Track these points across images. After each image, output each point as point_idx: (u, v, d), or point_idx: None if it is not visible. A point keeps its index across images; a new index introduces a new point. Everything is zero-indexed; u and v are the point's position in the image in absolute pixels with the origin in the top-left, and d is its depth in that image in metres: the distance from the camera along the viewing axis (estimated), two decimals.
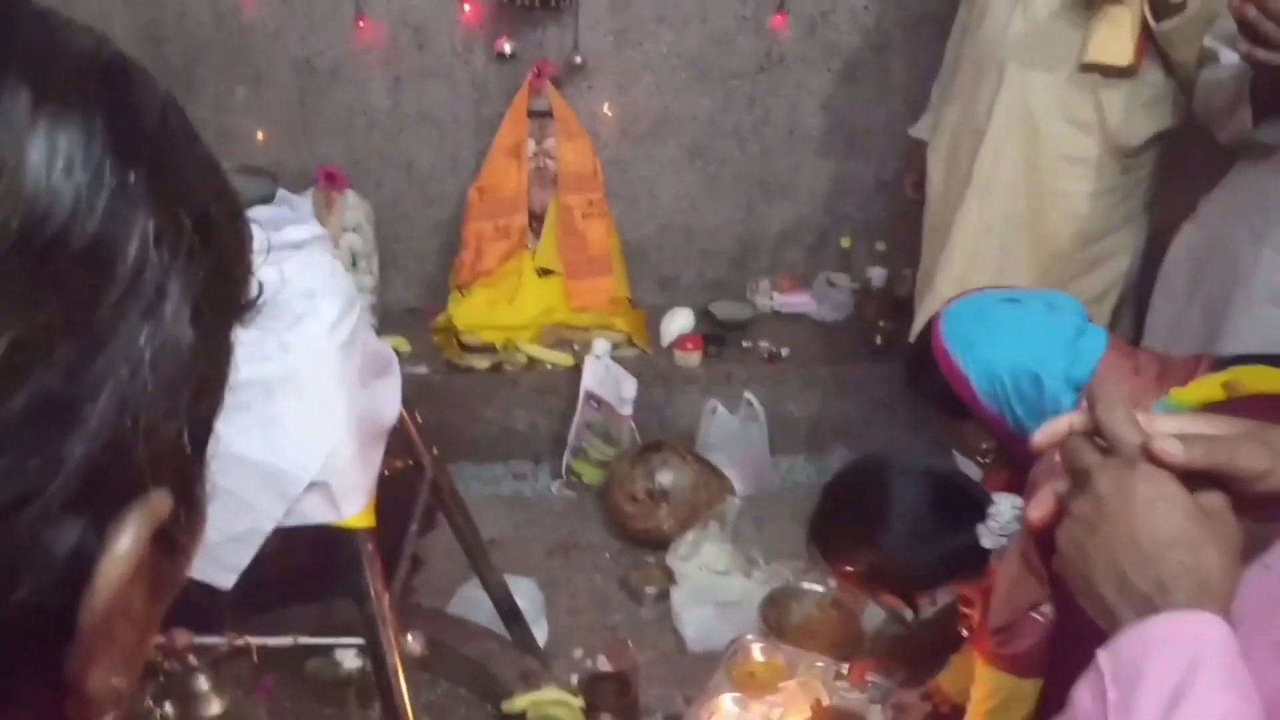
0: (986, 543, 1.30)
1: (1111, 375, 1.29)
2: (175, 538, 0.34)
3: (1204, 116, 1.82)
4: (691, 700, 2.12)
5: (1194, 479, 0.62)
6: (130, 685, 0.35)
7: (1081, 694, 0.59)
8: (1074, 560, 0.64)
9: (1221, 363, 1.33)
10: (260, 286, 0.37)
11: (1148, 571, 0.60)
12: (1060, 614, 1.29)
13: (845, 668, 1.99)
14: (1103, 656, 0.59)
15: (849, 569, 1.49)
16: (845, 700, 1.93)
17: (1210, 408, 1.22)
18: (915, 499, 1.39)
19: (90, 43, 0.33)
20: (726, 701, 1.96)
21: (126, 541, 0.31)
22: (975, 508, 1.33)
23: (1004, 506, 1.29)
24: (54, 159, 0.28)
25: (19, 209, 0.27)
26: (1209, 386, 1.25)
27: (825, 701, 1.92)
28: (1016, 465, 1.39)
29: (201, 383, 0.33)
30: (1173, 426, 0.65)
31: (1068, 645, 1.27)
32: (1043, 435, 0.68)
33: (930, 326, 1.48)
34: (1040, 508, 0.67)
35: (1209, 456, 0.62)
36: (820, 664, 2.03)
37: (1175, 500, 0.61)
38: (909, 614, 1.59)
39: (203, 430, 0.35)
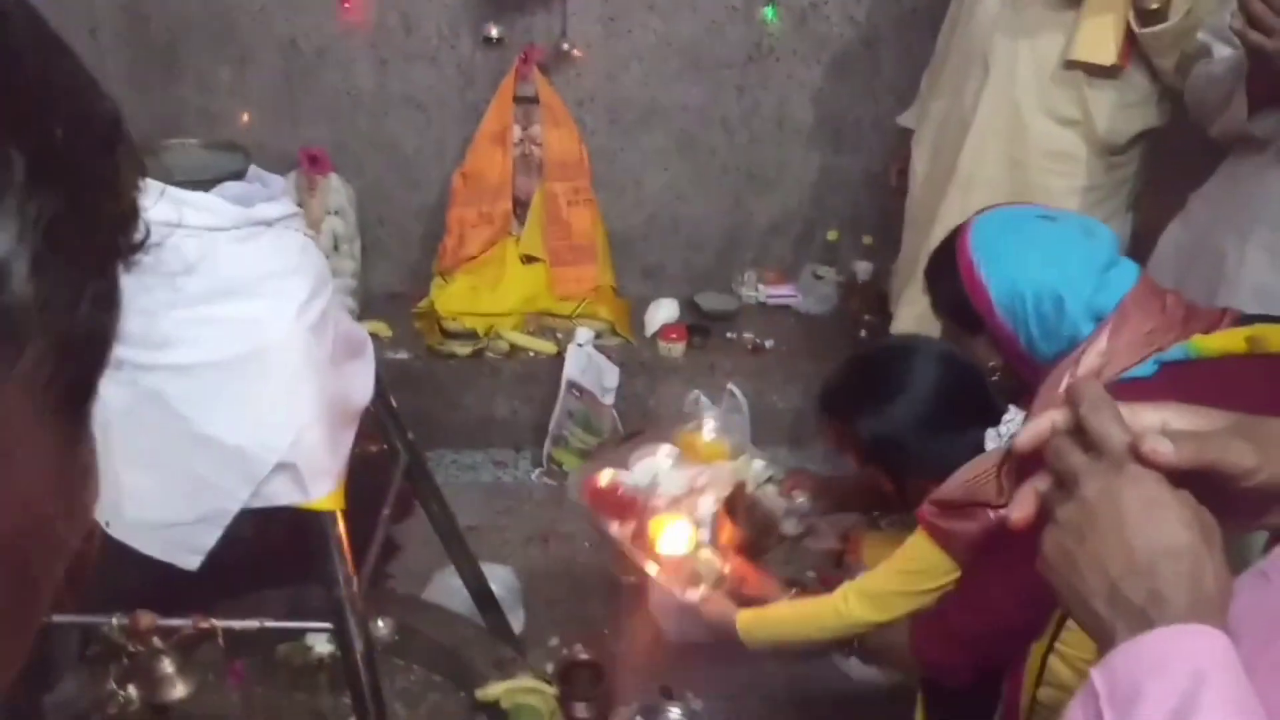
0: (990, 446, 1.30)
1: (1136, 309, 1.27)
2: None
3: (1196, 111, 1.81)
4: (669, 690, 2.12)
5: (1178, 478, 0.60)
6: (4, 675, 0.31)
7: (1074, 714, 0.55)
8: (1061, 569, 0.61)
9: (1247, 319, 1.31)
10: (148, 229, 0.33)
11: (1141, 583, 0.56)
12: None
13: (781, 474, 1.93)
14: (1097, 675, 0.55)
15: (848, 435, 1.47)
16: (766, 498, 1.87)
17: (1228, 359, 1.22)
18: (935, 382, 1.37)
19: None
20: (664, 452, 1.91)
21: None
22: (989, 412, 1.32)
23: (1016, 418, 1.29)
24: None
25: None
26: (1233, 338, 1.23)
27: (749, 489, 1.87)
28: (1023, 386, 1.36)
29: (59, 341, 0.29)
30: (1155, 421, 0.63)
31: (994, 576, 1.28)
32: (1026, 436, 0.65)
33: (957, 231, 1.44)
34: (1022, 508, 0.64)
35: (1199, 455, 0.60)
36: (760, 463, 1.97)
37: (1169, 505, 0.58)
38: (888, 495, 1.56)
39: (79, 392, 0.31)
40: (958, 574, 1.36)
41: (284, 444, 1.22)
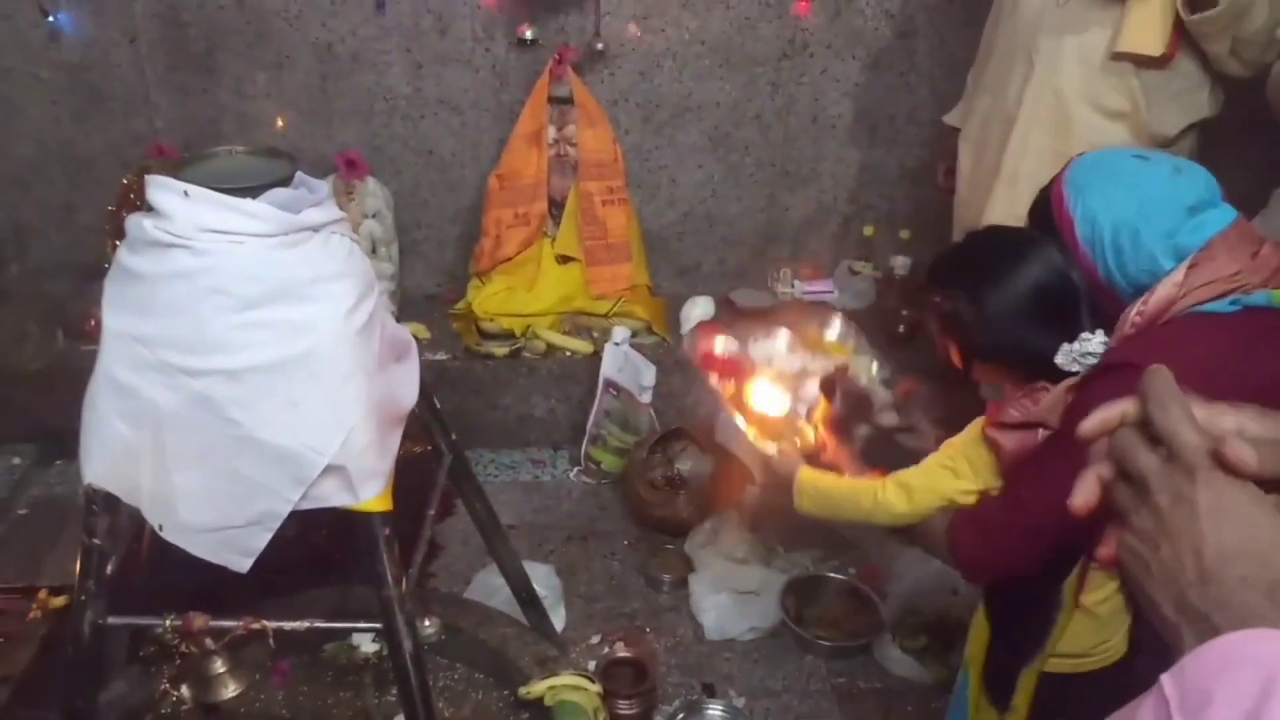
0: (1059, 359, 1.32)
1: (1225, 250, 1.26)
2: None
3: (1275, 107, 1.81)
4: (711, 688, 2.12)
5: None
6: None
7: (1145, 718, 0.54)
8: (1137, 576, 0.60)
9: None
10: None
11: (1207, 590, 0.56)
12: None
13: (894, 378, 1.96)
14: (1167, 681, 0.54)
15: (938, 303, 1.48)
16: (867, 383, 1.90)
17: None
18: (1034, 279, 1.37)
19: None
20: (781, 337, 1.98)
21: None
22: (1074, 326, 1.34)
23: (1095, 340, 1.31)
24: None
25: None
26: None
27: (855, 376, 1.89)
28: (1105, 320, 1.36)
29: None
30: (1232, 425, 0.61)
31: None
32: (1092, 423, 0.64)
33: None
34: (1084, 494, 0.63)
35: None
36: (876, 364, 1.99)
37: (1240, 507, 0.57)
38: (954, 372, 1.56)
39: None
40: (994, 485, 1.41)
41: (333, 446, 1.24)
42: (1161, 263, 1.28)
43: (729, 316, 2.92)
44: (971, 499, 1.44)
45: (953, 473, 1.46)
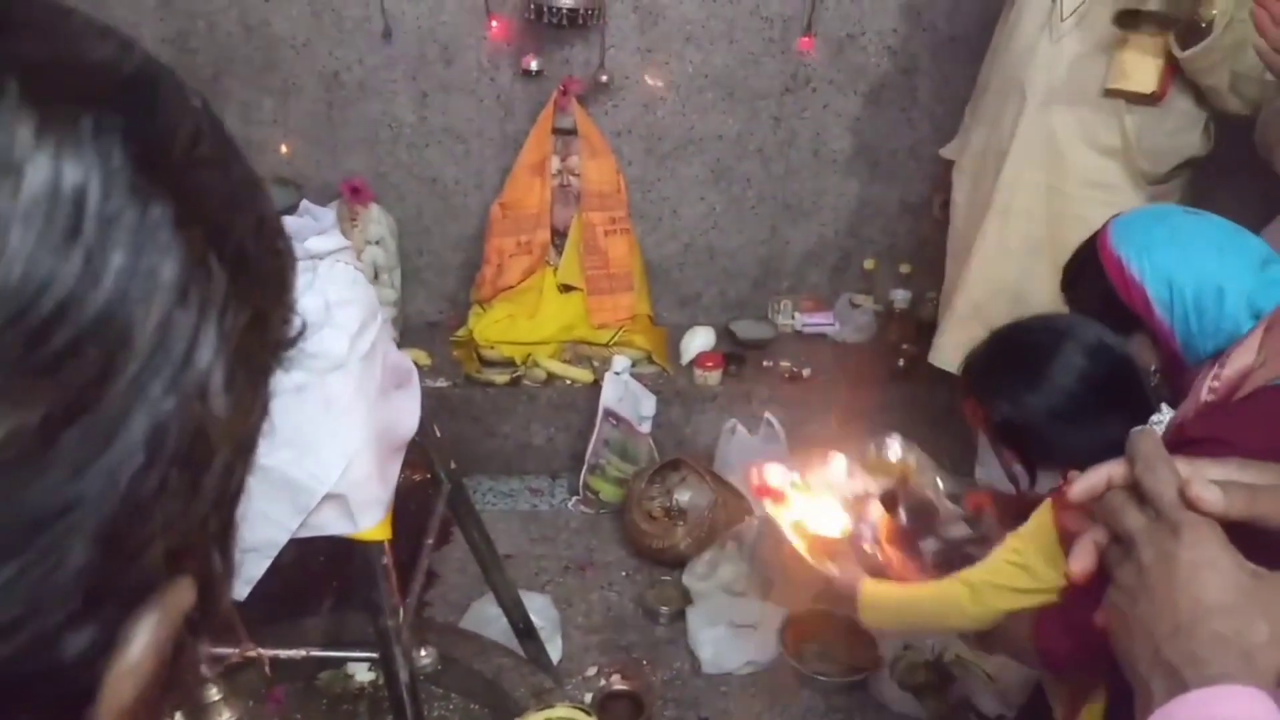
0: None
1: None
2: (203, 619, 0.30)
3: (1263, 149, 1.82)
4: None
5: (1238, 535, 0.59)
6: None
7: None
8: (1117, 630, 0.60)
9: None
10: (303, 325, 0.33)
11: (1180, 643, 0.56)
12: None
13: (962, 490, 1.84)
14: None
15: (984, 413, 1.38)
16: (931, 494, 1.77)
17: None
18: (1080, 372, 1.27)
19: (111, 51, 0.28)
20: (837, 463, 1.87)
21: (140, 647, 0.26)
22: (1140, 407, 1.23)
23: (1165, 418, 1.21)
24: (58, 204, 0.23)
25: (10, 276, 0.22)
26: None
27: (921, 489, 1.77)
28: (1175, 390, 1.29)
29: (237, 450, 0.29)
30: (1218, 474, 0.62)
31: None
32: (1080, 488, 0.65)
33: (1093, 237, 1.39)
34: (1081, 560, 0.64)
35: (1251, 507, 0.59)
36: (939, 477, 1.88)
37: (1219, 565, 0.57)
38: (1024, 482, 1.43)
39: (237, 497, 0.31)
40: (1062, 580, 1.28)
41: (333, 475, 1.24)
42: (1241, 324, 1.21)
43: (729, 347, 2.93)
44: (1047, 597, 1.30)
45: (1022, 569, 1.33)
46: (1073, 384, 1.28)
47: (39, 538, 0.23)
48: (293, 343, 0.32)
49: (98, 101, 0.25)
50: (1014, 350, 1.37)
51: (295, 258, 0.33)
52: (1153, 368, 1.34)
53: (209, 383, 0.26)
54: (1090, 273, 1.35)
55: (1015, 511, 1.74)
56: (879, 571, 1.62)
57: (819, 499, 1.80)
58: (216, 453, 0.27)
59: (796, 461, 1.91)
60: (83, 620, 0.25)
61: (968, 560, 1.69)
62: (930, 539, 1.70)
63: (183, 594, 0.28)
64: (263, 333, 0.30)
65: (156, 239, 0.25)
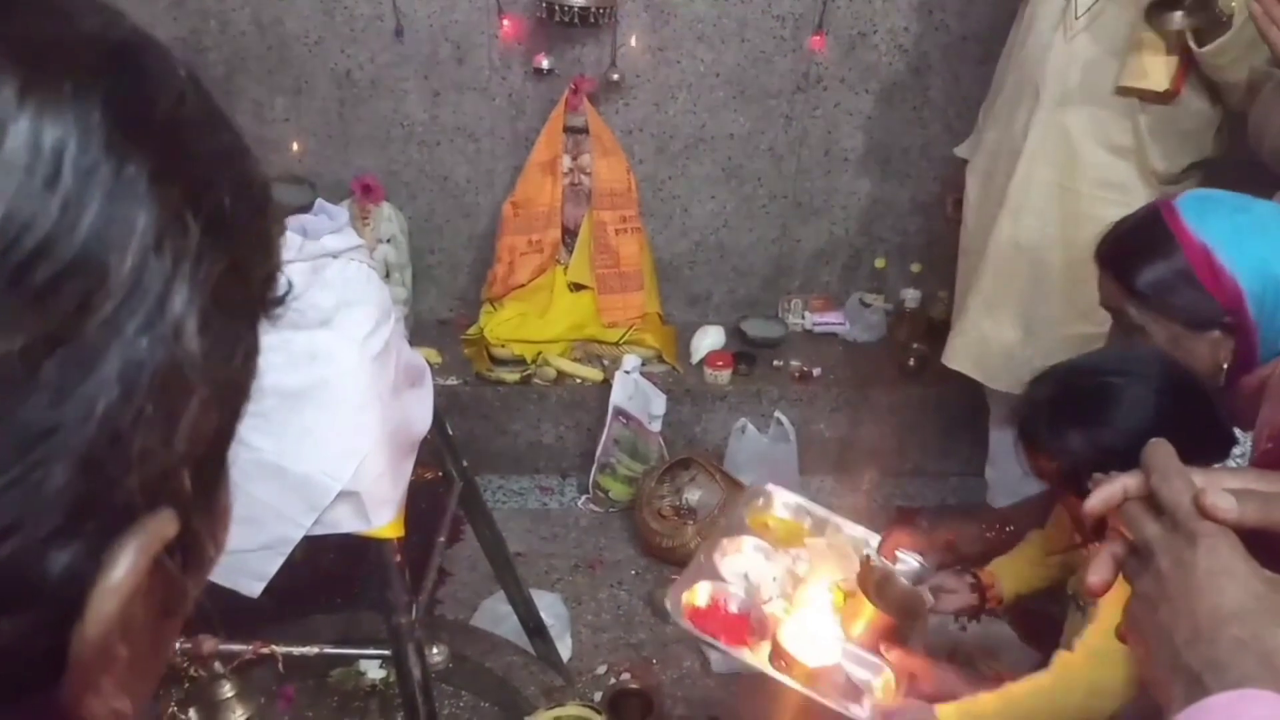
0: None
1: None
2: (188, 554, 0.32)
3: (1254, 140, 1.80)
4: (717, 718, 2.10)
5: (1256, 542, 0.60)
6: (137, 707, 0.33)
7: None
8: (1137, 639, 0.61)
9: None
10: (289, 284, 0.35)
11: (1200, 649, 0.56)
12: None
13: (874, 540, 1.68)
14: None
15: (1051, 467, 1.29)
16: (900, 570, 1.56)
17: None
18: (1155, 412, 1.19)
19: (99, 22, 0.30)
20: (749, 545, 1.69)
21: (122, 569, 0.28)
22: (1221, 441, 1.16)
23: (1247, 444, 1.16)
24: (38, 157, 0.26)
25: None
26: None
27: (871, 562, 1.55)
28: (1232, 389, 1.21)
29: (216, 392, 0.30)
30: (1234, 484, 0.63)
31: None
32: (1096, 500, 0.65)
33: (1155, 219, 1.29)
34: (1100, 573, 0.65)
35: (1265, 514, 0.60)
36: (848, 531, 1.76)
37: (1236, 573, 0.58)
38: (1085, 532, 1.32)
39: (221, 440, 0.33)
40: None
41: (347, 473, 1.24)
42: None
43: (739, 345, 2.93)
44: None
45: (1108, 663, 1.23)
46: (1148, 424, 1.15)
47: (24, 456, 0.26)
48: (279, 301, 0.35)
49: (80, 67, 0.28)
50: (1080, 397, 1.27)
51: (281, 222, 0.35)
52: (1224, 365, 1.26)
53: (183, 326, 0.28)
54: (1160, 259, 1.27)
55: (944, 544, 1.72)
56: (915, 688, 1.48)
57: (769, 612, 1.59)
58: (193, 392, 0.29)
59: (705, 564, 1.64)
60: (66, 538, 0.27)
61: (974, 616, 1.63)
62: (916, 623, 1.59)
63: (164, 525, 0.30)
64: (243, 286, 0.32)
65: (132, 191, 0.27)
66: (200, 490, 0.31)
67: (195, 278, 0.29)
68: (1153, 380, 1.22)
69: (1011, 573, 1.66)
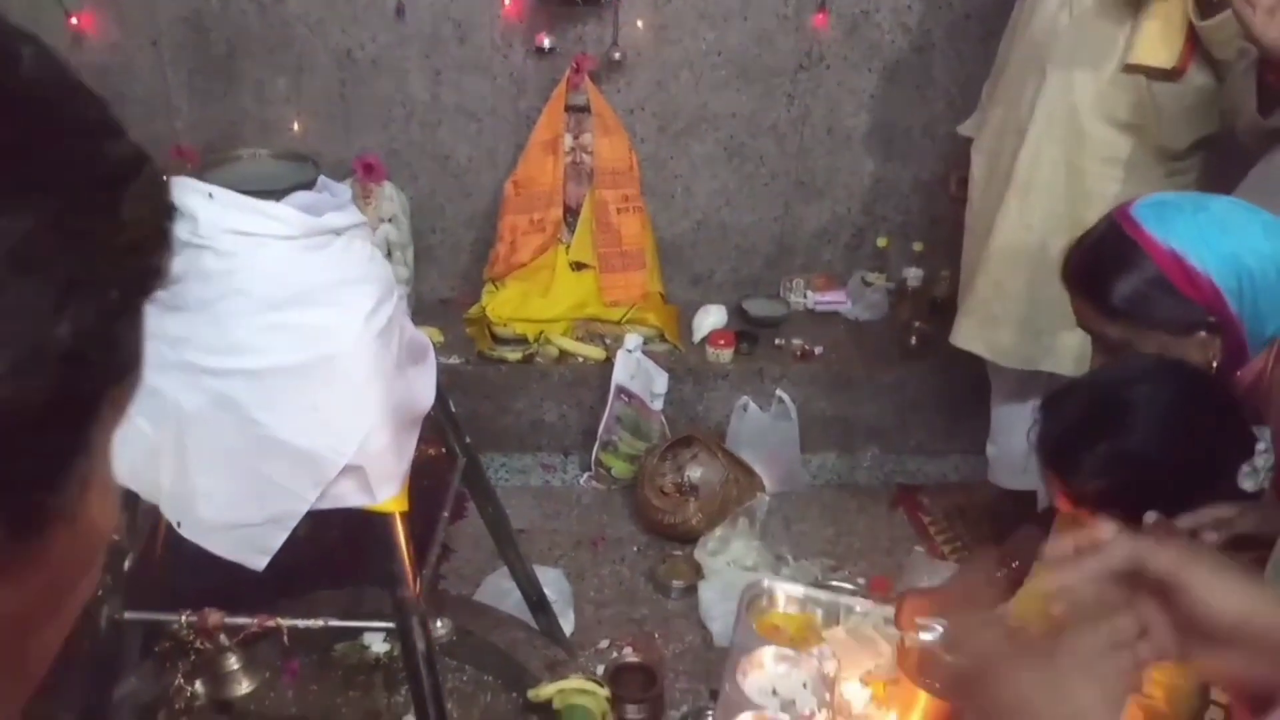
0: (1246, 484, 1.12)
1: None
2: (19, 524, 0.30)
3: (1229, 115, 1.81)
4: (716, 693, 2.12)
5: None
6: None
7: None
8: None
9: None
10: (164, 271, 0.34)
11: None
12: None
13: (889, 611, 1.62)
14: None
15: (1079, 492, 1.23)
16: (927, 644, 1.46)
17: None
18: (1173, 416, 1.16)
19: None
20: (768, 657, 1.59)
21: None
22: (1242, 439, 1.13)
23: (1264, 443, 1.13)
24: None
25: None
26: None
27: (907, 644, 1.48)
28: (1245, 395, 1.19)
29: (29, 354, 0.29)
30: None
31: None
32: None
33: (1114, 231, 1.27)
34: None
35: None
36: (860, 610, 1.70)
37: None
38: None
39: (66, 409, 0.31)
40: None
41: (352, 447, 1.25)
42: None
43: (741, 324, 2.94)
44: None
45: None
46: (1181, 429, 1.14)
47: None
48: (149, 283, 0.34)
49: None
50: (1096, 415, 1.22)
51: (158, 206, 0.34)
52: (1214, 363, 1.25)
53: None
54: (1131, 271, 1.26)
55: (962, 600, 1.54)
56: None
57: None
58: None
59: (735, 696, 1.53)
60: None
61: None
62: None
63: None
64: (65, 248, 0.30)
65: None
66: (24, 468, 0.30)
67: None
68: (1175, 385, 1.19)
69: (1033, 610, 1.62)
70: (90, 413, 0.32)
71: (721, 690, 1.54)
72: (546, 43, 2.72)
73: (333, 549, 2.14)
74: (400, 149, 2.89)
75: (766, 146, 2.94)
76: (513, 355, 2.78)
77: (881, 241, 3.03)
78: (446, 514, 1.62)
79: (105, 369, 0.32)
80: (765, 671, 1.58)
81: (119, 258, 0.32)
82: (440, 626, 1.77)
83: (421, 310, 2.96)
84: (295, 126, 2.83)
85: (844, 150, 2.96)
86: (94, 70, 2.75)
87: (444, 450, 1.75)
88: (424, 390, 1.47)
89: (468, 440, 1.74)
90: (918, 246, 2.98)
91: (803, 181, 3.00)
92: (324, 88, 2.82)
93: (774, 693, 1.55)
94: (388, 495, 1.30)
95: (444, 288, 3.08)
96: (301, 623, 1.40)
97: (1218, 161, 2.12)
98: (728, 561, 2.42)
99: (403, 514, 1.33)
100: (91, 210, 0.32)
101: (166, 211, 0.36)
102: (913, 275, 2.94)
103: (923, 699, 1.47)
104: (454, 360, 2.77)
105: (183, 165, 2.57)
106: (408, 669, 1.42)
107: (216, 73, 2.80)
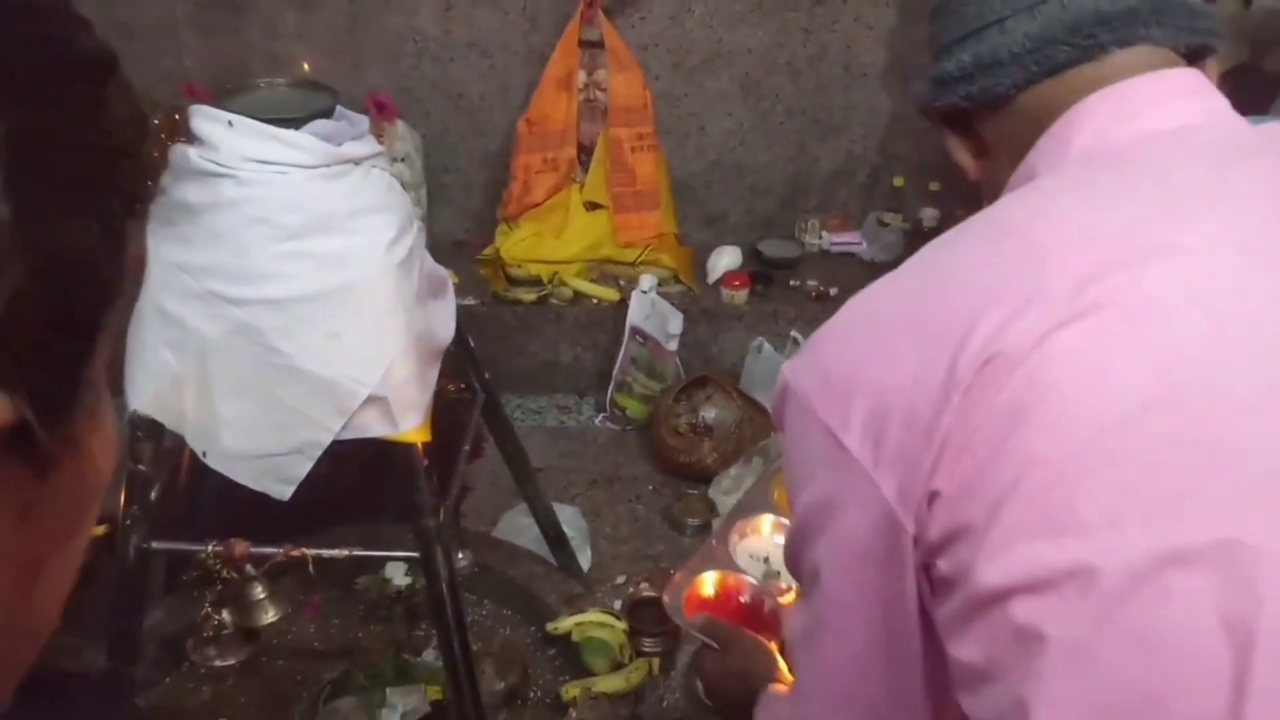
0: None
1: None
2: (40, 451, 0.29)
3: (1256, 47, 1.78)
4: None
5: None
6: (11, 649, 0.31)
7: None
8: None
9: None
10: (155, 181, 0.34)
11: None
12: None
13: None
14: None
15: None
16: None
17: None
18: None
19: None
20: (767, 525, 1.49)
21: None
22: None
23: None
24: None
25: None
26: None
27: None
28: None
29: (46, 268, 0.28)
30: None
31: None
32: None
33: None
34: None
35: None
36: None
37: None
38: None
39: (73, 331, 0.30)
40: None
41: (375, 377, 1.25)
42: None
43: (756, 266, 2.92)
44: None
45: None
46: None
47: None
48: (138, 194, 0.33)
49: None
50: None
51: (137, 113, 0.33)
52: None
53: None
54: None
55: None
56: None
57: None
58: (6, 259, 0.27)
59: (716, 550, 1.45)
60: None
61: None
62: None
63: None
64: (59, 151, 0.29)
65: None
66: (46, 383, 0.29)
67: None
68: None
69: None
70: (97, 330, 0.31)
71: (707, 543, 1.47)
72: None
73: (349, 486, 2.15)
74: (411, 86, 2.86)
75: (782, 83, 2.90)
76: (527, 296, 2.77)
77: (898, 181, 3.00)
78: (468, 448, 1.62)
79: (110, 283, 0.31)
80: (762, 538, 1.49)
81: (111, 161, 0.31)
82: (461, 557, 1.79)
83: (435, 251, 2.90)
84: (305, 65, 2.80)
85: (860, 87, 2.92)
86: (99, 5, 2.72)
87: (462, 387, 1.75)
88: (444, 323, 1.47)
89: (486, 376, 1.74)
90: (934, 186, 2.95)
91: (818, 120, 2.96)
92: (332, 23, 2.78)
93: (766, 560, 1.46)
94: (411, 425, 1.30)
95: (457, 228, 3.06)
96: (326, 552, 1.42)
97: (1240, 91, 2.08)
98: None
99: (426, 444, 1.34)
100: (78, 108, 0.31)
101: (143, 114, 0.34)
102: (929, 215, 2.91)
103: None
104: (469, 301, 2.76)
105: (193, 102, 2.54)
106: (431, 598, 1.43)
107: (224, 8, 2.75)
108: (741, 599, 1.40)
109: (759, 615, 1.37)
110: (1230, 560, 0.55)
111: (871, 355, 0.70)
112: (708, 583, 1.41)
